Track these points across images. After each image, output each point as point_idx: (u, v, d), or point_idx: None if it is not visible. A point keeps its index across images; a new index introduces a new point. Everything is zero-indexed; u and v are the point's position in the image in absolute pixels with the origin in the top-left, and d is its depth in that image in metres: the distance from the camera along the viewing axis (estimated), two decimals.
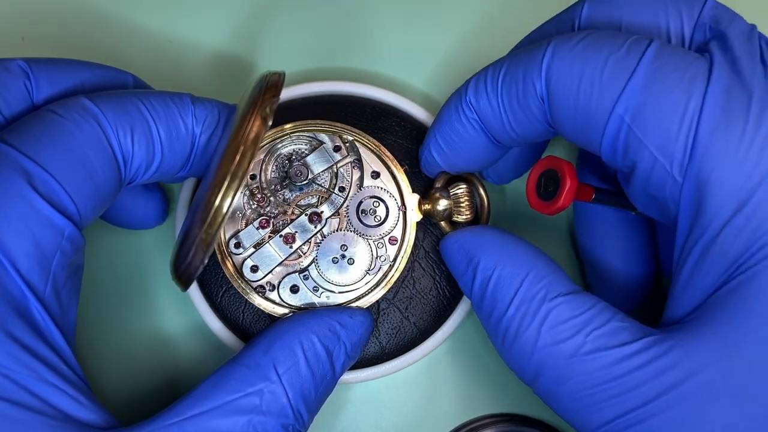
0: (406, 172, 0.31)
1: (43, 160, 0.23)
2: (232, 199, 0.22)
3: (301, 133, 0.30)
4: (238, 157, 0.23)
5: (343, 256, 0.29)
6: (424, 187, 0.31)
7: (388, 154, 0.30)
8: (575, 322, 0.23)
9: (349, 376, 0.30)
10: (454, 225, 0.30)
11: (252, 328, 0.30)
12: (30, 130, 0.23)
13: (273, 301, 0.29)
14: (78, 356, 0.24)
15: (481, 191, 0.30)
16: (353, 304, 0.29)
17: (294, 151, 0.30)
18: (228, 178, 0.22)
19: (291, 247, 0.29)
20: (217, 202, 0.22)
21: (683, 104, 0.21)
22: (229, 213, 0.23)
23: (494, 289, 0.25)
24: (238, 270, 0.29)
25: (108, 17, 0.35)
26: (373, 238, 0.30)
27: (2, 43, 0.35)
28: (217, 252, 0.29)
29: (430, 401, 0.33)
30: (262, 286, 0.29)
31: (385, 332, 0.30)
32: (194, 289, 0.30)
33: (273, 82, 0.24)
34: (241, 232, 0.29)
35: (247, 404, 0.24)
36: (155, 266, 0.33)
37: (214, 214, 0.23)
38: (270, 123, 0.23)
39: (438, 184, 0.30)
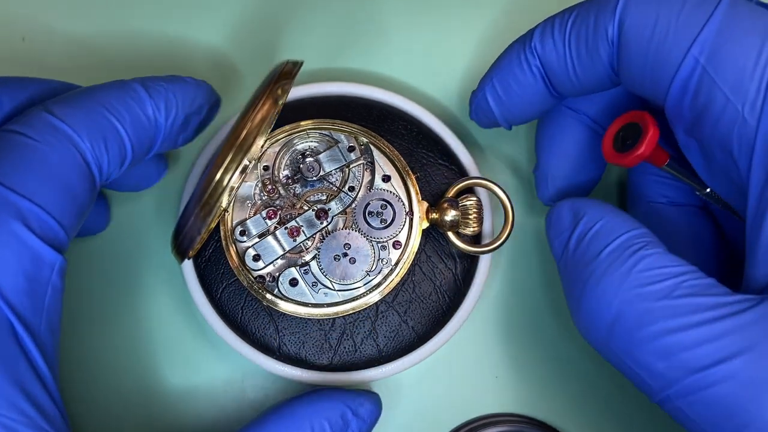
0: (418, 179, 0.31)
1: (32, 194, 0.22)
2: (232, 174, 0.23)
3: (317, 131, 0.31)
4: (243, 134, 0.23)
5: (345, 255, 0.29)
6: (433, 196, 0.31)
7: (402, 159, 0.31)
8: (670, 270, 0.23)
9: (346, 378, 0.30)
10: (461, 236, 0.30)
11: (250, 325, 0.30)
12: (12, 160, 0.23)
13: (272, 293, 0.29)
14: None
15: (506, 201, 0.30)
16: (354, 305, 0.29)
17: (309, 147, 0.31)
18: (230, 154, 0.23)
19: (295, 240, 0.29)
20: (217, 176, 0.23)
21: (758, 48, 0.22)
22: (229, 188, 0.23)
23: (594, 235, 0.25)
24: (241, 258, 0.29)
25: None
26: (377, 240, 0.30)
27: (2, 43, 0.35)
28: (222, 238, 0.29)
29: (430, 401, 0.33)
30: (262, 277, 0.29)
31: (383, 335, 0.30)
32: (194, 283, 0.30)
33: (288, 69, 0.25)
34: (248, 220, 0.29)
35: None
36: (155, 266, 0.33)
37: (214, 186, 0.23)
38: (281, 104, 0.24)
39: (449, 194, 0.30)
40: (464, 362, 0.33)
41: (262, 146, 0.29)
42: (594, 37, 0.25)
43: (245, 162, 0.24)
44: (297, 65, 0.26)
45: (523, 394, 0.33)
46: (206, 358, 0.32)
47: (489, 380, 0.33)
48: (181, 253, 0.25)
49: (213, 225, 0.29)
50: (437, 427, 0.32)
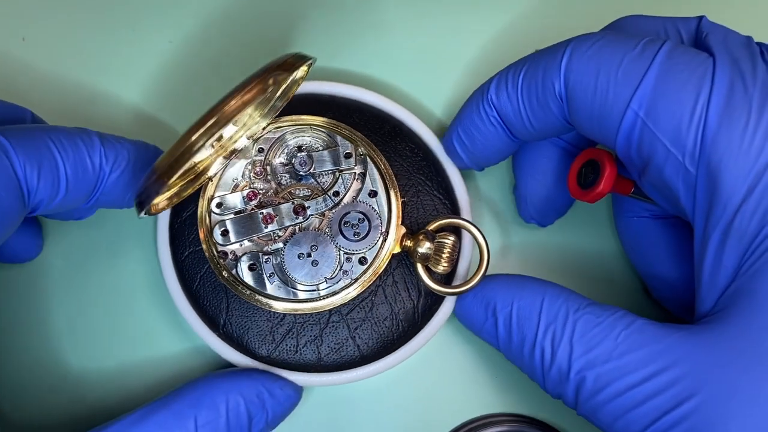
0: (406, 205, 0.30)
1: None
2: (204, 141, 0.23)
3: (323, 130, 0.31)
4: (219, 113, 0.23)
5: (310, 255, 0.29)
6: (417, 224, 0.31)
7: (394, 180, 0.30)
8: (603, 327, 0.25)
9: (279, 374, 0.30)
10: (431, 273, 0.30)
11: (204, 296, 0.30)
12: None
13: (230, 272, 0.29)
14: None
15: (479, 237, 0.30)
16: (305, 306, 0.29)
17: (309, 143, 0.31)
18: (202, 129, 0.23)
19: (266, 227, 0.29)
20: (191, 137, 0.23)
21: (692, 101, 0.23)
22: (198, 153, 0.23)
23: (518, 322, 0.27)
24: (210, 229, 0.30)
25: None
26: (345, 250, 0.30)
27: (2, 43, 0.35)
28: (200, 205, 0.30)
29: (430, 401, 0.33)
30: (225, 253, 0.30)
31: (327, 344, 0.30)
32: (164, 239, 0.31)
33: (290, 62, 0.25)
34: (227, 195, 0.30)
35: None
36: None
37: (186, 148, 0.23)
38: (268, 91, 0.24)
39: (429, 227, 0.30)
40: (464, 362, 0.33)
41: (264, 128, 0.30)
42: (543, 91, 0.26)
43: (215, 139, 0.24)
44: (301, 60, 0.26)
45: (523, 394, 0.33)
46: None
47: (489, 380, 0.33)
48: (138, 205, 0.25)
49: (189, 192, 0.29)
50: (437, 427, 0.32)
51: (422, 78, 0.36)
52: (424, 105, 0.35)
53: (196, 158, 0.24)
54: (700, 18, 0.27)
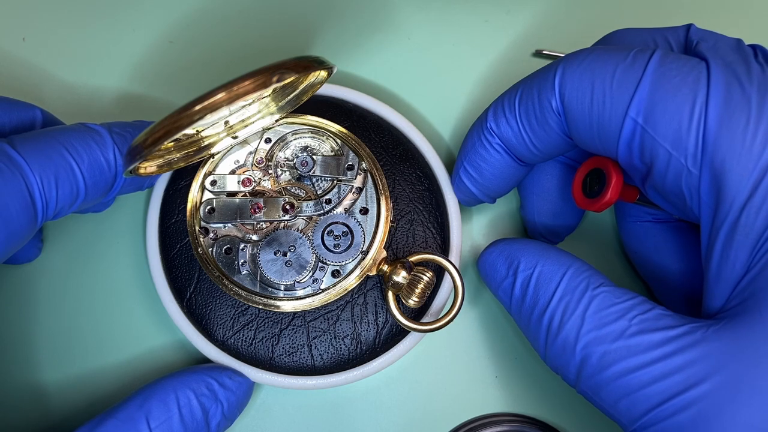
0: (392, 228, 0.30)
1: None
2: (183, 127, 0.23)
3: (333, 137, 0.31)
4: (215, 97, 0.22)
5: (285, 255, 0.29)
6: (399, 252, 0.30)
7: (389, 203, 0.30)
8: (619, 308, 0.24)
9: (227, 362, 0.30)
10: (399, 304, 0.29)
11: (178, 266, 0.30)
12: None
13: (206, 250, 0.30)
14: None
15: (458, 283, 0.29)
16: (269, 302, 0.29)
17: (315, 146, 0.31)
18: (195, 107, 0.22)
19: (251, 216, 0.29)
20: (195, 107, 0.22)
21: (690, 103, 0.23)
22: (188, 127, 0.22)
23: (536, 285, 0.26)
24: (199, 204, 0.30)
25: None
26: (322, 259, 0.29)
27: (2, 43, 0.35)
28: (195, 178, 0.30)
29: (430, 401, 0.33)
30: (206, 230, 0.30)
31: (282, 346, 0.30)
32: (155, 204, 0.31)
33: (303, 64, 0.25)
34: (225, 176, 0.30)
35: None
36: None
37: (187, 115, 0.22)
38: (269, 89, 0.23)
39: (410, 258, 0.29)
40: (465, 362, 0.33)
41: (277, 120, 0.30)
42: (540, 110, 0.26)
43: (205, 121, 0.23)
44: (317, 65, 0.25)
45: (523, 394, 0.33)
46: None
47: (489, 380, 0.33)
48: (125, 163, 0.25)
49: (185, 163, 0.30)
50: (437, 427, 0.32)
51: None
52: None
53: (184, 133, 0.24)
54: (688, 26, 0.27)
